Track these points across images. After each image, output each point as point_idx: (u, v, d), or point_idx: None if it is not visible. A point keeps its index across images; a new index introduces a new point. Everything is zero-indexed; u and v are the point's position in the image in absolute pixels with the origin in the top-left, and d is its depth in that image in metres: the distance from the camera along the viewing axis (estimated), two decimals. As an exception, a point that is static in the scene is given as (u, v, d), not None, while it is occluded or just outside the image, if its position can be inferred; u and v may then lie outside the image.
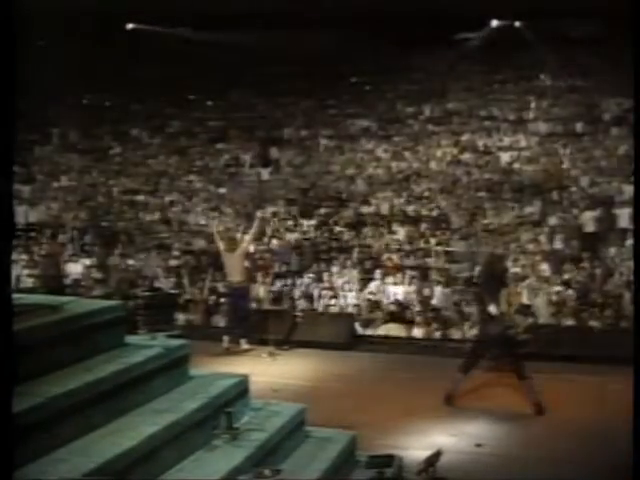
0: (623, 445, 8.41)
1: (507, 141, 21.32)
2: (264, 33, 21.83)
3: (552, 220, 16.91)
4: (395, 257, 16.06)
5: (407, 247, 16.56)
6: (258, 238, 15.81)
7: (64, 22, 18.00)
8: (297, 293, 15.46)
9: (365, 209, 18.68)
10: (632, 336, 5.94)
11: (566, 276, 14.53)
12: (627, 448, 7.83)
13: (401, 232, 17.24)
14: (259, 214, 14.54)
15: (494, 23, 23.65)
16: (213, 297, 15.27)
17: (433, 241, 16.66)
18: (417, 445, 8.91)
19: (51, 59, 21.11)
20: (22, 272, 16.24)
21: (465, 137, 21.76)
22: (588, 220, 16.54)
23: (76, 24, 19.33)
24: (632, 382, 5.40)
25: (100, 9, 19.05)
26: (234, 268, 13.80)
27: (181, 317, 14.45)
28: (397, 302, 14.59)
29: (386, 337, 14.02)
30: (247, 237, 14.15)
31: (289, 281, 15.89)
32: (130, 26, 23.51)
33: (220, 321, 14.75)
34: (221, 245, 13.92)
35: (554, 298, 13.98)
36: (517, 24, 23.49)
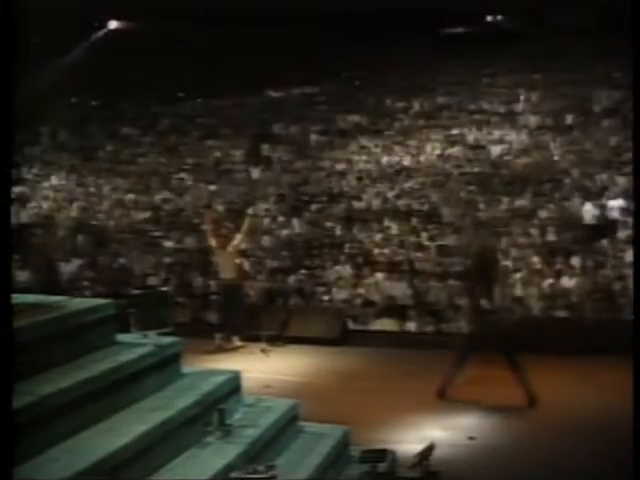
0: (616, 437, 8.48)
1: (497, 134, 21.28)
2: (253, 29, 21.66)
3: (544, 212, 16.87)
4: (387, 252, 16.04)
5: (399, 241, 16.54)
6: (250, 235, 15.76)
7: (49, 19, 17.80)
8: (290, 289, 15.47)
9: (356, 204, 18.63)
10: (632, 331, 5.94)
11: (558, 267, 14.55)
12: (621, 440, 7.90)
13: (393, 227, 17.21)
14: (250, 211, 14.46)
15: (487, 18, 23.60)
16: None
17: (424, 235, 16.65)
18: (410, 439, 8.92)
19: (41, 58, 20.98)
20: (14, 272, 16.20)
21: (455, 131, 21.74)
22: (587, 212, 16.46)
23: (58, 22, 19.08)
24: (631, 380, 5.41)
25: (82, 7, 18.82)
26: (226, 265, 13.84)
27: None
28: (390, 297, 14.61)
29: (379, 332, 14.05)
30: (238, 235, 14.17)
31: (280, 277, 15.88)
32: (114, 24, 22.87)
33: (212, 318, 14.74)
34: (213, 242, 13.98)
35: (547, 290, 14.03)
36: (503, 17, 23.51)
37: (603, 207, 16.44)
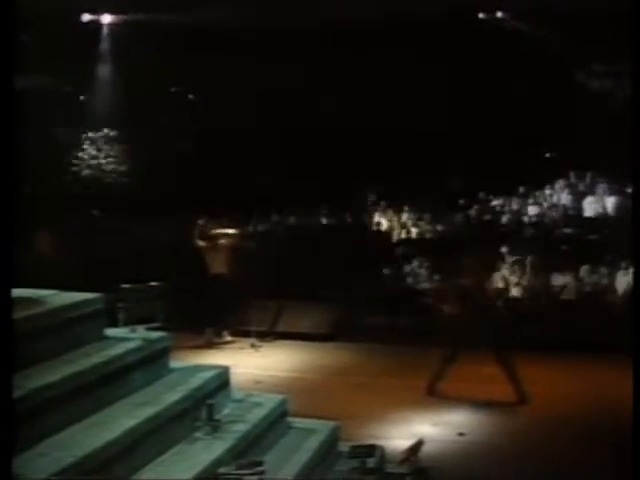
0: (606, 434, 8.52)
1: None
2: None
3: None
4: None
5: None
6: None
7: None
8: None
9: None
10: (632, 330, 5.91)
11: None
12: (610, 437, 7.92)
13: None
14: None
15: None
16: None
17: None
18: (399, 435, 8.94)
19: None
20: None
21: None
22: (588, 205, 16.42)
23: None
24: (632, 380, 5.39)
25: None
26: (216, 260, 13.77)
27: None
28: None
29: (369, 327, 14.03)
30: (228, 230, 14.09)
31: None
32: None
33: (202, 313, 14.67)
34: (201, 244, 13.83)
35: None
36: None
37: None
